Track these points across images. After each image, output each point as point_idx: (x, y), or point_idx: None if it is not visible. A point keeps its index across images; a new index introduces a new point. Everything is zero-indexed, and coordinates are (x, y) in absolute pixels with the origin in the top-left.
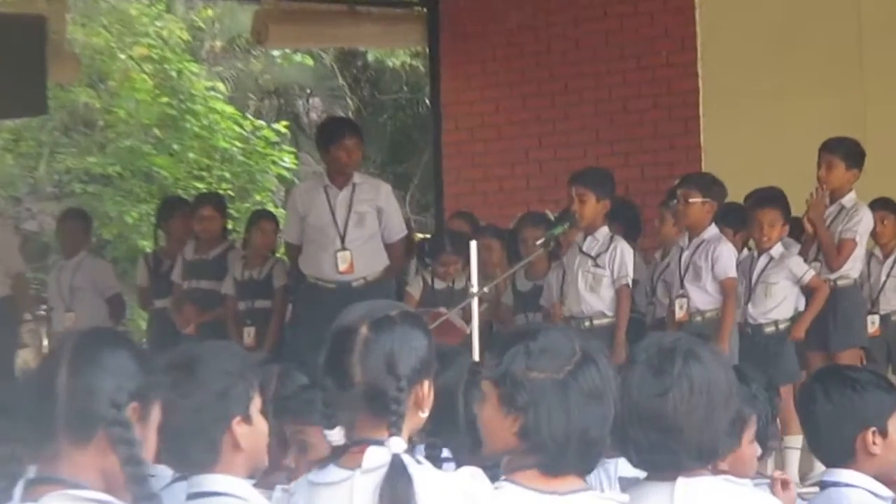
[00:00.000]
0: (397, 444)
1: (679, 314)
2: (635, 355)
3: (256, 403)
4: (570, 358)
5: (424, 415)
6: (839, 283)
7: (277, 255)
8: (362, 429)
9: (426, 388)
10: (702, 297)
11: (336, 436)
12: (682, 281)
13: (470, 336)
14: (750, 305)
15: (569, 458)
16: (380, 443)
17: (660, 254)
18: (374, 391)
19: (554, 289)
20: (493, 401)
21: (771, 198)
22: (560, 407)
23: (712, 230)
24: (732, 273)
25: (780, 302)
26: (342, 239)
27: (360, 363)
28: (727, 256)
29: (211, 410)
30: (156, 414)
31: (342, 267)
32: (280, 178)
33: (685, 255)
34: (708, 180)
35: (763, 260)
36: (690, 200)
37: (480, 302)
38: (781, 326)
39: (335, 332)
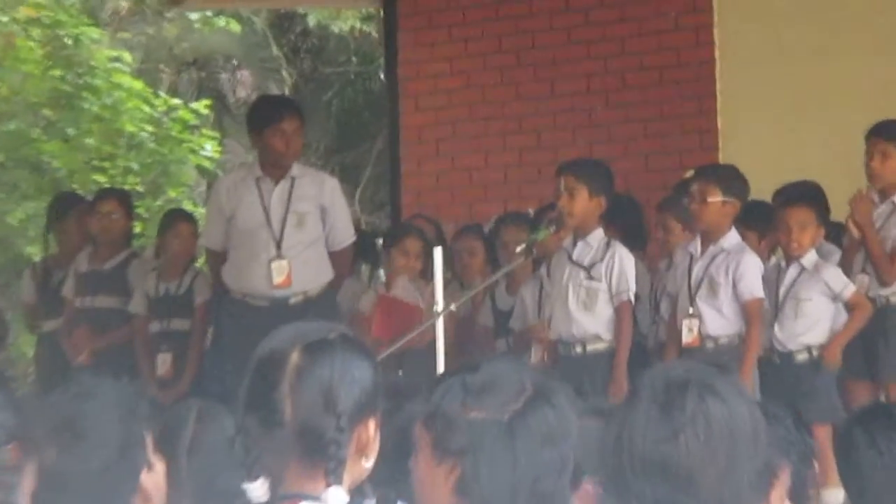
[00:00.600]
0: (337, 497)
1: (687, 338)
2: (639, 390)
3: (150, 443)
4: (518, 395)
5: (369, 463)
6: (892, 299)
7: (197, 264)
8: (293, 480)
9: (371, 429)
10: (717, 320)
11: (259, 490)
12: (692, 298)
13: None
14: (776, 327)
15: None
16: (315, 498)
17: (665, 263)
18: (308, 432)
19: (529, 307)
20: (426, 448)
21: (803, 194)
22: (505, 454)
23: (733, 237)
24: (759, 293)
25: (814, 323)
26: (277, 245)
27: (291, 397)
28: (753, 272)
29: (116, 470)
30: (29, 480)
31: (277, 279)
32: (200, 169)
33: (698, 266)
34: (729, 174)
35: (793, 271)
36: (709, 199)
37: (450, 322)
38: (816, 353)
39: (259, 359)
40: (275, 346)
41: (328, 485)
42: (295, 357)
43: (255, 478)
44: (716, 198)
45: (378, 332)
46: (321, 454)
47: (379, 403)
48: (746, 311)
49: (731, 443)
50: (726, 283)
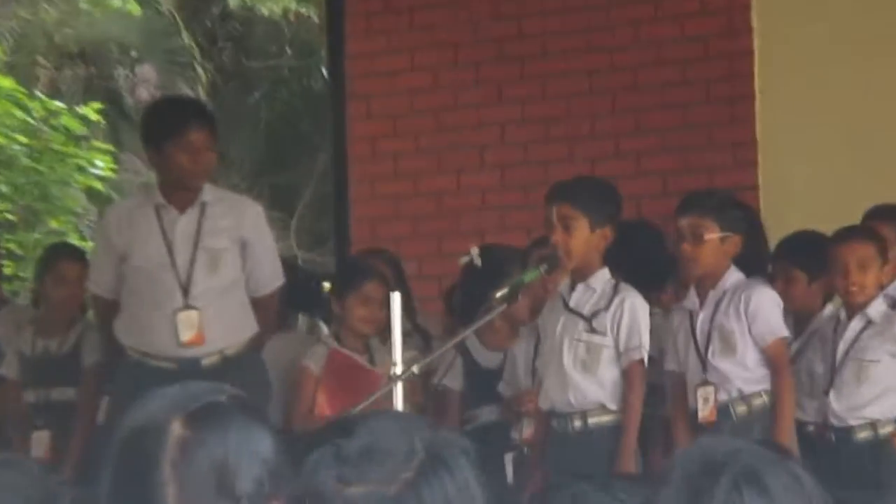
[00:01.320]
0: None
1: (703, 412)
2: (668, 472)
3: None
4: (407, 460)
5: None
6: None
7: (87, 316)
8: None
9: None
10: (743, 376)
11: None
12: (703, 360)
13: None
14: (833, 396)
15: None
16: None
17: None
18: None
19: (521, 369)
20: None
21: (864, 225)
22: None
23: (733, 275)
24: (781, 331)
25: (881, 392)
26: (185, 291)
27: (175, 480)
28: (769, 307)
29: None
30: None
31: (186, 336)
32: (90, 192)
33: (701, 318)
34: (724, 202)
35: (856, 324)
36: (707, 237)
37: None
38: (884, 431)
39: (130, 432)
40: (150, 415)
41: None
42: (177, 427)
43: None
44: (713, 234)
45: (325, 404)
46: None
47: (285, 484)
48: (770, 357)
49: None
50: (741, 329)
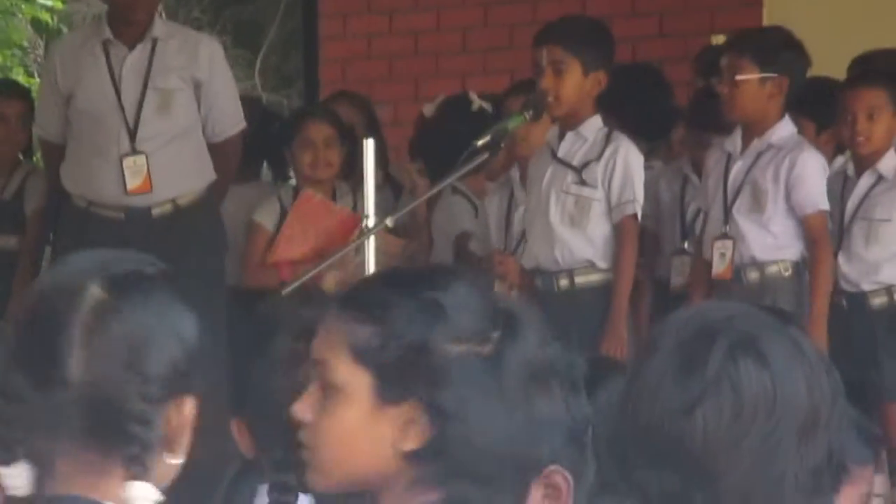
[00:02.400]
0: (144, 495)
1: (718, 267)
2: (656, 339)
3: None
4: (494, 319)
5: (177, 460)
6: None
7: (31, 159)
8: (70, 472)
9: (187, 412)
10: (762, 240)
11: (17, 479)
12: (727, 212)
13: None
14: (842, 258)
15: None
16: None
17: (693, 172)
18: (103, 401)
19: (493, 226)
20: (363, 396)
21: (876, 69)
22: (491, 402)
23: (785, 128)
24: (824, 204)
25: (894, 253)
26: (131, 135)
27: (83, 348)
28: (815, 176)
29: None
30: None
31: (133, 183)
32: (37, 24)
33: (737, 168)
34: (771, 40)
35: (865, 181)
36: (739, 77)
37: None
38: None
39: (41, 292)
40: (69, 274)
41: (129, 478)
42: (95, 292)
43: (11, 461)
44: (751, 74)
45: (283, 252)
46: (118, 435)
47: (201, 379)
48: (809, 229)
49: (771, 424)
50: (776, 191)
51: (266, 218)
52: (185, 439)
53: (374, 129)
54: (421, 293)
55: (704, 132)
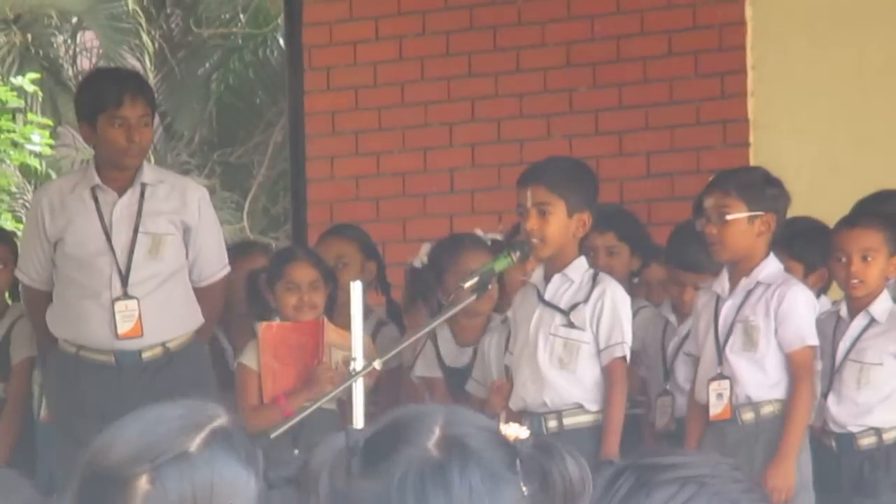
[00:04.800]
0: None
1: (715, 408)
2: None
3: None
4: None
5: None
6: None
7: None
8: None
9: None
10: (757, 379)
11: None
12: (720, 352)
13: None
14: (832, 400)
15: None
16: None
17: (674, 314)
18: None
19: (493, 365)
20: None
21: (870, 210)
22: None
23: (772, 265)
24: (811, 339)
25: (885, 396)
26: (123, 279)
27: None
28: (802, 311)
29: None
30: None
31: (124, 327)
32: (25, 170)
33: (727, 307)
34: (756, 179)
35: (858, 323)
36: (729, 217)
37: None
38: (889, 438)
39: (92, 477)
40: (117, 463)
41: None
42: (143, 483)
43: None
44: (740, 213)
45: (273, 390)
46: None
47: None
48: (793, 364)
49: None
50: (767, 327)
51: (251, 359)
52: None
53: (372, 256)
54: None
55: (683, 270)
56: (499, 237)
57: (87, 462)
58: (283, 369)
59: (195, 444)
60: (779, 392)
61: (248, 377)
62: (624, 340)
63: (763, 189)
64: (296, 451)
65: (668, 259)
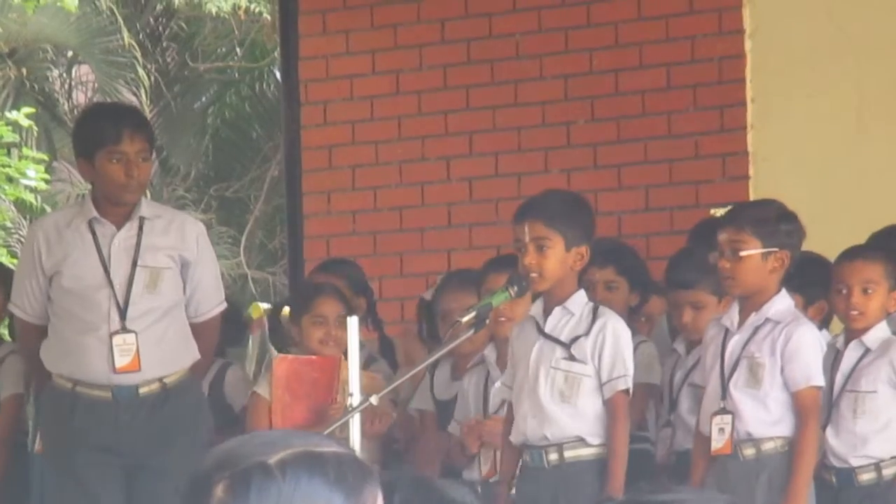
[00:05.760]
0: None
1: (717, 443)
2: None
3: None
4: None
5: None
6: None
7: (7, 339)
8: None
9: None
10: (758, 416)
11: None
12: (724, 386)
13: None
14: (829, 432)
15: None
16: None
17: (683, 345)
18: None
19: (471, 403)
20: None
21: (870, 244)
22: None
23: (782, 302)
24: (817, 379)
25: (882, 426)
26: (122, 313)
27: None
28: (810, 351)
29: None
30: None
31: (122, 362)
32: (21, 205)
33: (735, 341)
34: (771, 214)
35: (852, 353)
36: (743, 254)
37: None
38: (888, 472)
39: (186, 485)
40: (202, 469)
41: None
42: (219, 491)
43: None
44: (754, 249)
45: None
46: None
47: None
48: (799, 404)
49: None
50: (772, 365)
51: (264, 389)
52: None
53: (360, 292)
54: None
55: (677, 290)
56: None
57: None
58: (293, 403)
59: (275, 458)
60: (780, 430)
61: (261, 406)
62: (626, 374)
63: (777, 225)
64: None
65: (666, 284)
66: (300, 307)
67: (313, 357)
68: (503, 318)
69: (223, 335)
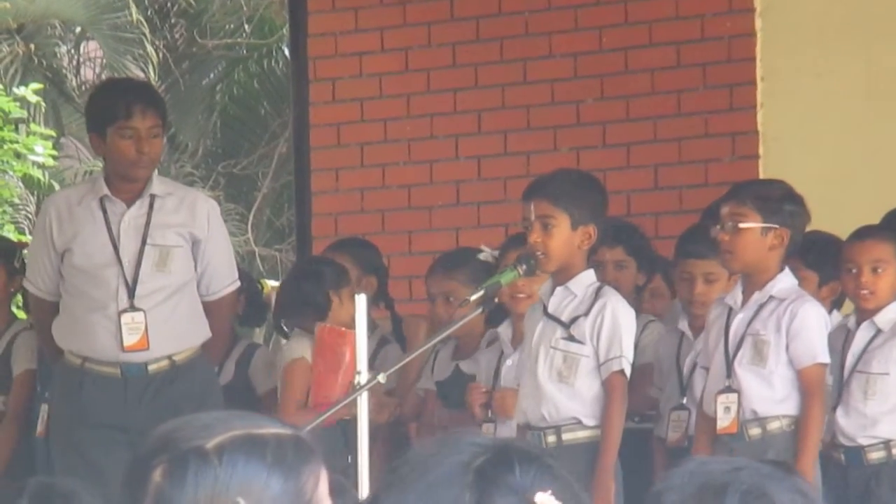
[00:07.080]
0: None
1: (722, 421)
2: (661, 494)
3: None
4: None
5: None
6: None
7: (20, 317)
8: None
9: None
10: (764, 394)
11: None
12: (729, 365)
13: None
14: (840, 412)
15: None
16: None
17: (687, 323)
18: None
19: (483, 380)
20: None
21: (881, 224)
22: None
23: (786, 280)
24: (823, 356)
25: (893, 407)
26: (130, 291)
27: None
28: (815, 327)
29: None
30: None
31: (130, 340)
32: (28, 181)
33: (738, 320)
34: (773, 191)
35: (863, 334)
36: (742, 226)
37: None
38: None
39: (128, 466)
40: (142, 451)
41: None
42: (157, 475)
43: None
44: (753, 223)
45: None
46: None
47: None
48: (804, 381)
49: None
50: (777, 342)
51: (309, 355)
52: None
53: (370, 271)
54: None
55: (688, 260)
56: (491, 257)
57: (134, 448)
58: (328, 377)
59: (213, 442)
60: (786, 408)
61: (306, 372)
62: (623, 354)
63: (780, 203)
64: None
65: (677, 256)
66: (342, 278)
67: (342, 330)
68: (522, 295)
69: (245, 314)
